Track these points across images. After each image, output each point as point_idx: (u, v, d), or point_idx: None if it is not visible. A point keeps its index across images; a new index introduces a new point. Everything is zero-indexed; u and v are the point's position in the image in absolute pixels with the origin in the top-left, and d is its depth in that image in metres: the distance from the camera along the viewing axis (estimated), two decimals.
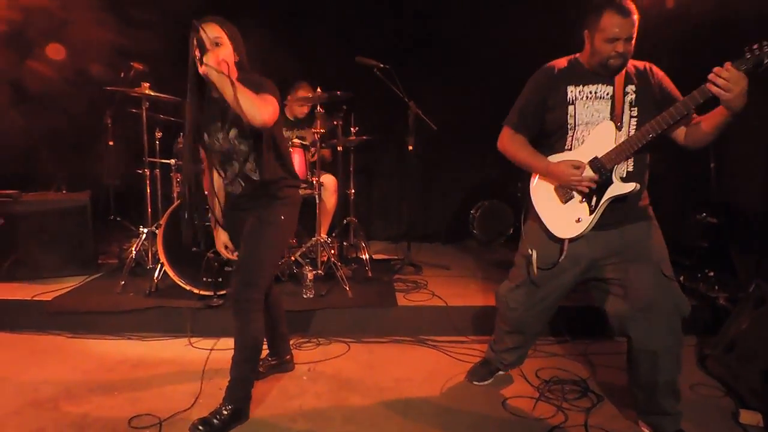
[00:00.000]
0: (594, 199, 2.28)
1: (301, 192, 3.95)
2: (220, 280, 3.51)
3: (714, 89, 1.96)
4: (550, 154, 2.39)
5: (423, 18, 5.43)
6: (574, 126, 2.32)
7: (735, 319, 3.04)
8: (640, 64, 2.33)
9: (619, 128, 2.26)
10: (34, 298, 3.64)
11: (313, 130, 4.13)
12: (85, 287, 3.95)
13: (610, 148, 2.23)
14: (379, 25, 5.37)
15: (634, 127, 2.26)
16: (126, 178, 4.79)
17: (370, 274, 4.25)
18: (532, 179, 2.49)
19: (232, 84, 2.13)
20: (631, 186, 2.23)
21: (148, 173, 4.09)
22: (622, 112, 2.26)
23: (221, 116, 2.39)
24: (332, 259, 3.97)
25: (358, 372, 3.06)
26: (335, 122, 4.36)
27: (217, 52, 2.22)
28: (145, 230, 4.04)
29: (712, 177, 4.21)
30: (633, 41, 2.19)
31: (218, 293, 3.52)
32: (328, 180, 4.50)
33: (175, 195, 4.13)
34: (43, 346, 3.34)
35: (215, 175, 2.59)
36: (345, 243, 4.77)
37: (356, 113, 4.53)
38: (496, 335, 2.84)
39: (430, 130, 4.34)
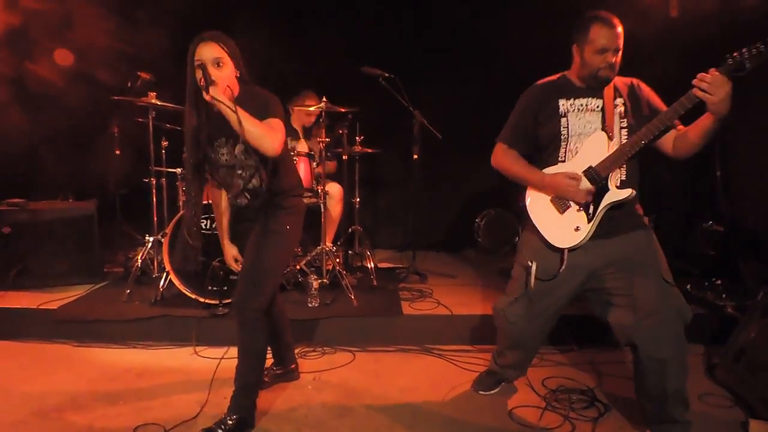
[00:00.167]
0: (591, 207, 2.30)
1: (307, 201, 4.00)
2: (226, 288, 3.51)
3: (700, 93, 2.02)
4: (545, 167, 2.42)
5: (428, 27, 5.45)
6: (568, 137, 2.36)
7: (743, 328, 3.01)
8: (627, 79, 2.42)
9: (611, 138, 2.30)
10: (40, 307, 3.65)
11: (318, 139, 4.14)
12: (90, 296, 3.96)
13: (604, 157, 2.28)
14: (384, 35, 5.39)
15: (625, 136, 2.31)
16: (132, 187, 4.81)
17: (375, 283, 4.24)
18: (526, 192, 2.50)
19: (240, 115, 2.15)
20: (627, 192, 2.27)
21: (154, 182, 4.10)
22: (613, 122, 2.31)
23: (226, 132, 2.39)
24: (337, 267, 3.97)
25: (364, 381, 3.04)
26: (340, 131, 4.37)
27: (222, 80, 2.24)
28: (151, 239, 4.05)
29: (719, 185, 4.19)
30: (620, 53, 2.28)
31: (223, 302, 3.51)
32: (334, 189, 4.50)
33: (180, 204, 4.14)
34: (49, 354, 3.35)
35: (223, 195, 2.60)
36: (350, 252, 4.76)
37: (361, 122, 4.54)
38: (498, 350, 2.84)
39: (435, 139, 4.35)
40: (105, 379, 3.02)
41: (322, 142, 4.02)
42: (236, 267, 2.70)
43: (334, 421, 2.61)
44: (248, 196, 2.51)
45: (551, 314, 2.56)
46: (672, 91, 2.22)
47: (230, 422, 2.39)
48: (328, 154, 4.19)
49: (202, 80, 2.19)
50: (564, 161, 2.38)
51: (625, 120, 2.32)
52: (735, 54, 1.98)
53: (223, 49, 2.31)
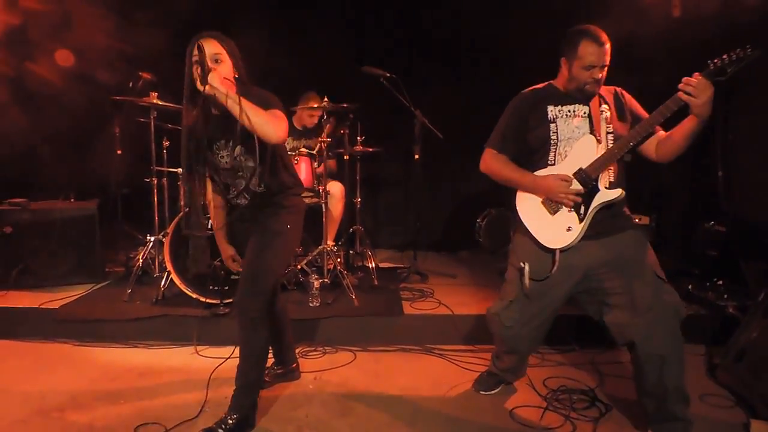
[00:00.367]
0: (582, 208, 2.34)
1: (308, 200, 4.00)
2: (227, 288, 3.51)
3: (684, 97, 2.10)
4: (535, 170, 2.45)
5: (430, 27, 5.45)
6: (557, 141, 2.41)
7: (745, 328, 3.01)
8: (611, 88, 2.48)
9: (599, 142, 2.35)
10: (42, 306, 3.66)
11: (319, 139, 4.14)
12: (92, 295, 3.97)
13: (593, 160, 2.33)
14: (385, 34, 5.39)
15: (612, 141, 2.37)
16: (134, 187, 4.81)
17: (376, 283, 4.24)
18: (516, 196, 2.52)
19: (241, 103, 2.13)
20: (617, 192, 2.32)
21: (155, 182, 4.11)
22: (600, 127, 2.37)
23: (225, 134, 2.38)
24: (338, 267, 3.97)
25: (365, 381, 3.04)
26: (342, 131, 4.37)
27: (219, 71, 2.23)
28: (152, 238, 4.05)
29: (721, 186, 4.19)
30: (606, 69, 2.34)
31: (225, 301, 3.52)
32: (335, 188, 4.50)
33: (182, 204, 4.15)
34: (50, 354, 3.35)
35: (216, 197, 2.59)
36: (351, 251, 4.76)
37: (363, 122, 4.54)
38: (496, 353, 2.87)
39: (436, 139, 4.35)
40: (106, 378, 3.02)
41: (323, 141, 4.02)
42: (234, 267, 2.70)
43: (334, 421, 2.61)
44: (248, 197, 2.51)
45: (546, 317, 2.57)
46: (670, 93, 2.24)
47: (231, 421, 2.39)
48: (329, 153, 4.19)
49: (199, 73, 2.15)
50: (554, 164, 2.42)
51: (611, 126, 2.39)
52: (716, 60, 2.08)
53: (222, 46, 2.31)
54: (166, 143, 4.29)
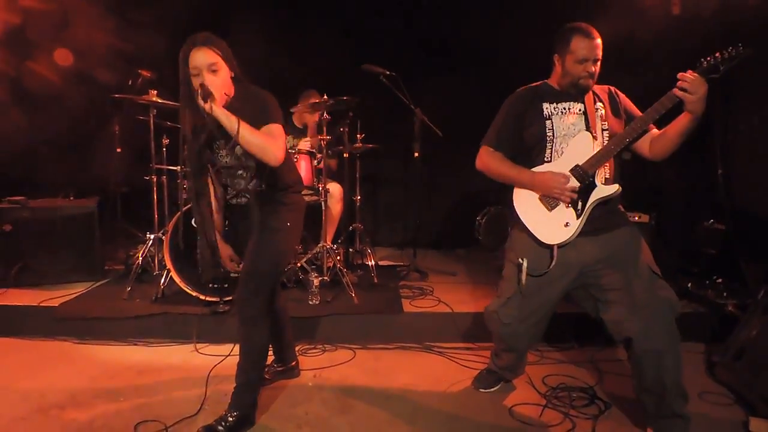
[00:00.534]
0: (579, 203, 2.36)
1: (308, 198, 4.00)
2: (226, 286, 3.51)
3: (680, 93, 2.13)
4: (531, 167, 2.46)
5: (429, 24, 5.44)
6: (553, 138, 2.42)
7: (744, 326, 3.01)
8: (604, 87, 2.51)
9: (595, 138, 2.38)
10: (41, 304, 3.66)
11: (319, 137, 4.14)
12: (91, 293, 3.97)
13: (589, 156, 2.34)
14: (384, 32, 5.38)
15: (607, 137, 2.39)
16: (133, 185, 4.81)
17: (376, 281, 4.25)
18: (513, 193, 2.53)
19: (240, 128, 2.17)
20: (614, 188, 2.34)
21: (155, 180, 4.11)
22: (596, 124, 2.39)
23: (225, 133, 2.38)
24: (338, 265, 3.97)
25: (364, 378, 3.05)
26: (341, 129, 4.37)
27: (218, 87, 2.25)
28: (152, 236, 4.05)
29: (720, 183, 4.19)
30: (599, 63, 2.37)
31: (224, 299, 3.52)
32: (334, 188, 4.50)
33: (181, 202, 4.14)
34: (50, 352, 3.35)
35: (212, 196, 2.59)
36: (351, 249, 4.77)
37: (362, 120, 4.54)
38: (495, 351, 2.88)
39: (436, 137, 4.35)
40: (106, 376, 3.02)
41: (323, 139, 4.02)
42: (232, 267, 2.70)
43: (334, 418, 2.61)
44: (248, 196, 2.51)
45: (544, 313, 2.58)
46: (666, 92, 2.24)
47: (231, 419, 2.40)
48: (329, 152, 4.19)
49: (200, 90, 2.19)
50: (550, 161, 2.43)
51: (606, 123, 2.41)
52: (708, 58, 2.12)
53: (216, 53, 2.30)
54: (166, 141, 4.29)
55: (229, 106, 2.29)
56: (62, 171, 4.98)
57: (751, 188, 4.18)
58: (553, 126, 2.41)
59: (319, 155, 4.14)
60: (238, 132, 2.18)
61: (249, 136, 2.21)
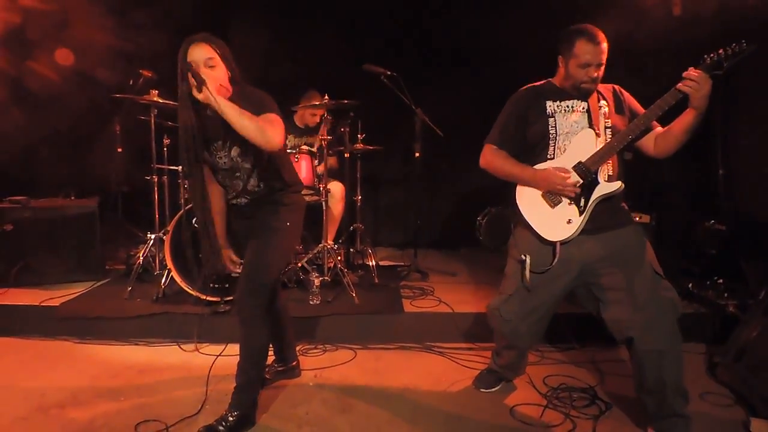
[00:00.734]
0: (582, 200, 2.37)
1: (309, 199, 4.00)
2: (227, 286, 3.51)
3: (685, 89, 2.14)
4: (534, 165, 2.46)
5: (430, 25, 5.44)
6: (556, 136, 2.43)
7: (745, 327, 3.01)
8: (608, 85, 2.50)
9: (598, 135, 2.38)
10: (42, 304, 3.66)
11: (320, 137, 4.14)
12: (92, 293, 3.97)
13: (592, 153, 2.35)
14: (385, 32, 5.38)
15: (610, 135, 2.39)
16: (134, 185, 4.82)
17: (376, 281, 4.24)
18: (516, 190, 2.53)
19: (236, 111, 2.14)
20: (617, 185, 2.35)
21: (156, 179, 4.11)
22: (599, 122, 2.39)
23: (222, 135, 2.38)
24: (339, 265, 3.97)
25: (365, 378, 3.05)
26: (342, 129, 4.37)
27: (213, 77, 2.23)
28: (153, 236, 4.05)
29: (721, 184, 4.19)
30: (603, 68, 2.36)
31: (225, 299, 3.52)
32: (335, 187, 4.50)
33: (182, 201, 4.15)
34: (51, 351, 3.36)
35: (217, 195, 2.59)
36: (351, 249, 4.76)
37: (363, 120, 4.54)
38: (496, 349, 2.88)
39: (436, 137, 4.35)
40: (106, 375, 3.02)
41: (324, 139, 4.02)
42: (232, 267, 2.70)
43: (334, 418, 2.61)
44: (248, 197, 2.51)
45: (545, 311, 2.58)
46: (668, 90, 2.25)
47: (231, 419, 2.40)
48: (330, 152, 4.19)
49: (193, 80, 2.17)
50: (553, 158, 2.44)
51: (610, 120, 2.41)
52: (712, 54, 2.12)
53: (214, 50, 2.29)
54: (167, 141, 4.29)
55: None
56: (63, 171, 4.99)
57: (752, 188, 4.18)
58: (556, 123, 2.42)
59: (320, 155, 4.14)
60: (234, 115, 2.14)
61: (244, 120, 2.16)
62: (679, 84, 2.15)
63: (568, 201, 2.38)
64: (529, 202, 2.48)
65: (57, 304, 3.65)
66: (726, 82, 2.16)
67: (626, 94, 2.50)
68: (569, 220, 2.37)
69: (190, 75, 2.19)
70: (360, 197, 4.73)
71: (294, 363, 3.01)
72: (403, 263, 4.93)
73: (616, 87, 2.51)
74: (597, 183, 2.35)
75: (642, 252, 2.38)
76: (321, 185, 4.07)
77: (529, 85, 2.57)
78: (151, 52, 4.67)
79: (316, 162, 4.16)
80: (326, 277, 3.97)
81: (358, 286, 3.91)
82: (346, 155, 4.43)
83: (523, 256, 2.45)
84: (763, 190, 4.00)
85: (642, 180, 4.25)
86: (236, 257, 2.70)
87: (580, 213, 2.35)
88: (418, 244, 4.79)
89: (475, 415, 2.67)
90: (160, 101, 3.84)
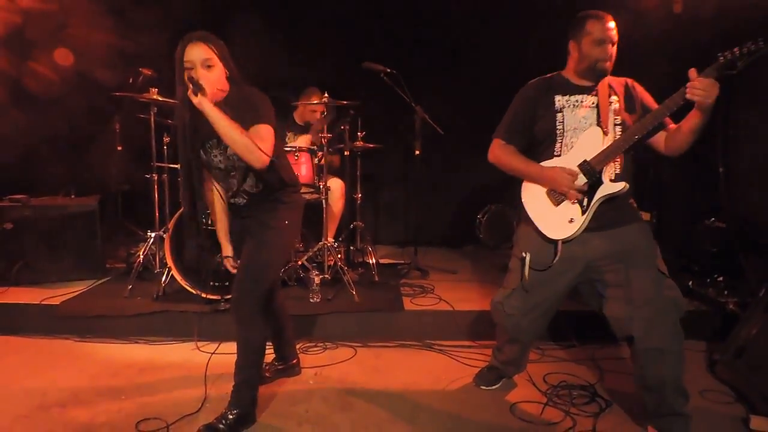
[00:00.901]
0: (585, 199, 2.34)
1: (308, 196, 4.00)
2: (228, 284, 3.51)
3: (694, 98, 2.10)
4: (541, 161, 2.45)
5: (430, 22, 5.43)
6: (563, 132, 2.40)
7: (745, 324, 3.01)
8: (621, 79, 2.46)
9: (605, 134, 2.34)
10: (42, 302, 3.66)
11: (320, 134, 4.14)
12: (92, 291, 3.97)
13: (598, 152, 2.32)
14: (385, 30, 5.38)
15: (619, 133, 2.35)
16: (134, 183, 4.82)
17: (376, 279, 4.25)
18: (522, 186, 2.53)
19: (227, 125, 2.17)
20: (620, 185, 2.31)
21: (156, 178, 4.11)
22: (608, 119, 2.36)
23: (216, 134, 2.37)
24: (339, 263, 3.97)
25: (365, 376, 3.05)
26: (342, 127, 4.37)
27: (211, 83, 2.24)
28: (153, 235, 4.05)
29: (721, 181, 4.18)
30: (615, 47, 2.34)
31: (225, 297, 3.52)
32: (335, 184, 4.50)
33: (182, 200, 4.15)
34: (51, 350, 3.36)
35: (217, 195, 2.59)
36: (352, 247, 4.77)
37: (363, 118, 4.54)
38: (498, 345, 2.88)
39: (437, 135, 4.34)
40: (107, 374, 3.02)
41: (324, 137, 4.02)
42: (231, 268, 2.69)
43: (335, 416, 2.62)
44: (246, 197, 2.51)
45: (548, 307, 2.58)
46: (670, 90, 2.24)
47: (231, 417, 2.40)
48: (330, 149, 4.19)
49: (190, 83, 2.18)
50: (559, 155, 2.42)
51: (619, 117, 2.37)
52: (726, 53, 2.06)
53: (212, 50, 2.29)
54: (167, 139, 4.29)
55: (221, 105, 2.27)
56: (63, 169, 4.99)
57: (752, 186, 4.18)
58: (563, 119, 2.39)
59: (320, 153, 4.14)
60: (224, 128, 2.17)
61: (234, 135, 2.19)
62: (687, 93, 2.11)
63: (571, 201, 2.37)
64: (533, 198, 2.47)
65: (57, 303, 3.65)
66: (726, 80, 2.11)
67: (639, 88, 2.45)
68: (571, 219, 2.35)
69: (187, 79, 2.20)
70: (360, 195, 4.73)
71: (294, 361, 3.01)
72: (403, 261, 4.93)
73: (629, 81, 2.46)
74: (601, 183, 2.33)
75: (647, 250, 2.36)
76: (321, 183, 4.07)
77: (536, 79, 2.53)
78: (151, 52, 4.67)
79: (316, 160, 4.16)
80: (326, 275, 3.97)
81: (358, 284, 3.91)
82: (346, 153, 4.43)
83: (523, 254, 2.45)
84: (763, 187, 4.00)
85: (643, 178, 4.24)
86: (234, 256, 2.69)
87: (583, 212, 2.34)
88: (418, 242, 4.79)
89: (476, 412, 2.67)
90: (160, 99, 3.84)
